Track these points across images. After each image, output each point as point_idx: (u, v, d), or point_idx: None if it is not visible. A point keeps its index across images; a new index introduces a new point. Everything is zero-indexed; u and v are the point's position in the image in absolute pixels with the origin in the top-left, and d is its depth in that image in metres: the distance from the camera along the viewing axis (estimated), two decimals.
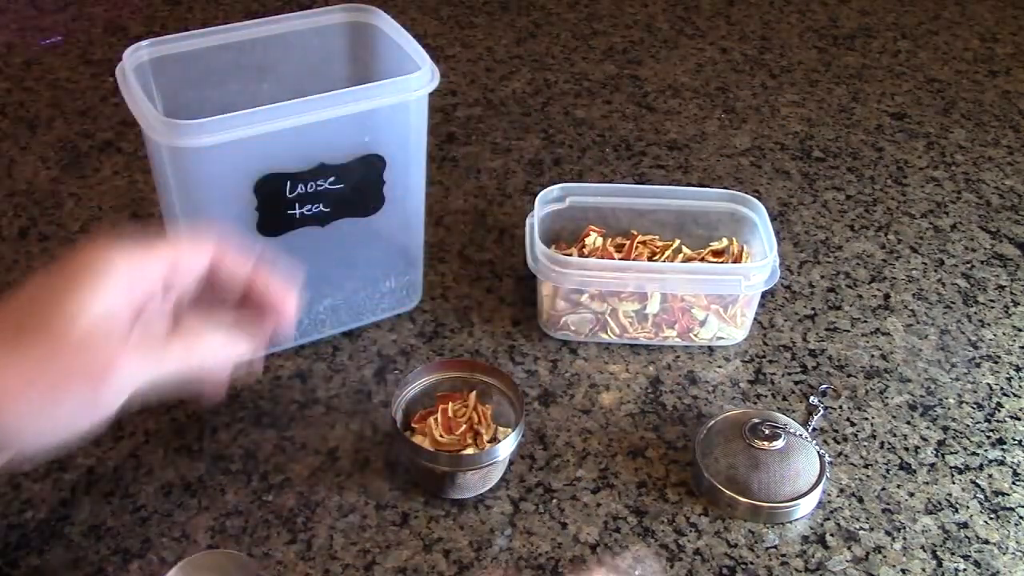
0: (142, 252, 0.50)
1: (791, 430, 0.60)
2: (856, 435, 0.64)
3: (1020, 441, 0.65)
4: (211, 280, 0.51)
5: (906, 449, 0.64)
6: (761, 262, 0.67)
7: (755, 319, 0.71)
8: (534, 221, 0.70)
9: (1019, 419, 0.66)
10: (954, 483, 0.62)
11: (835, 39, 1.11)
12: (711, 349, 0.70)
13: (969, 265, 0.79)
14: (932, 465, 0.63)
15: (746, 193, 0.73)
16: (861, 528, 0.58)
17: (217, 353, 0.49)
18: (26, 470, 0.59)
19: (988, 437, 0.65)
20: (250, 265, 0.52)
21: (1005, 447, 0.64)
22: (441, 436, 0.58)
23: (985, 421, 0.66)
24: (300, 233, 0.62)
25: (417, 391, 0.60)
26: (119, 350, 0.47)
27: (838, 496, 0.60)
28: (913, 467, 0.63)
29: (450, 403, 0.60)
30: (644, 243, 0.73)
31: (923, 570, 0.56)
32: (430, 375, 0.61)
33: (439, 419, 0.59)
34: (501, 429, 0.60)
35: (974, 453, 0.64)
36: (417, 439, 0.58)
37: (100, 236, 0.50)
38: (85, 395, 0.47)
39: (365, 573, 0.55)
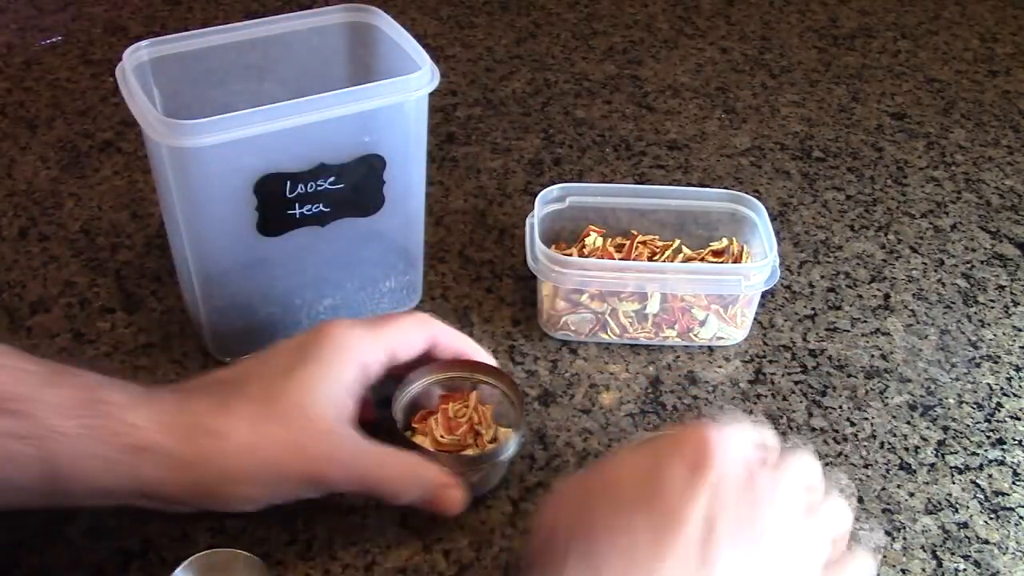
0: (373, 334, 0.54)
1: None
2: (856, 435, 0.64)
3: (1020, 441, 0.65)
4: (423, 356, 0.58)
5: (906, 449, 0.64)
6: (761, 262, 0.67)
7: (755, 319, 0.71)
8: (534, 221, 0.70)
9: (1019, 419, 0.66)
10: (954, 483, 0.62)
11: (835, 39, 1.11)
12: (711, 349, 0.70)
13: (969, 265, 0.79)
14: (932, 465, 0.63)
15: (746, 193, 0.73)
16: (861, 528, 0.58)
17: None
18: None
19: (988, 437, 0.65)
20: (460, 343, 0.58)
21: (1005, 447, 0.64)
22: (442, 436, 0.58)
23: (985, 421, 0.66)
24: (300, 233, 0.62)
25: (417, 391, 0.60)
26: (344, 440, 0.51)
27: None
28: (913, 467, 0.63)
29: (451, 403, 0.60)
30: (644, 243, 0.73)
31: (923, 570, 0.57)
32: (430, 375, 0.61)
33: (440, 419, 0.59)
34: (502, 429, 0.60)
35: (974, 453, 0.64)
36: (418, 439, 0.58)
37: (337, 320, 0.54)
38: (308, 477, 0.51)
39: (365, 573, 0.55)
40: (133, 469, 0.47)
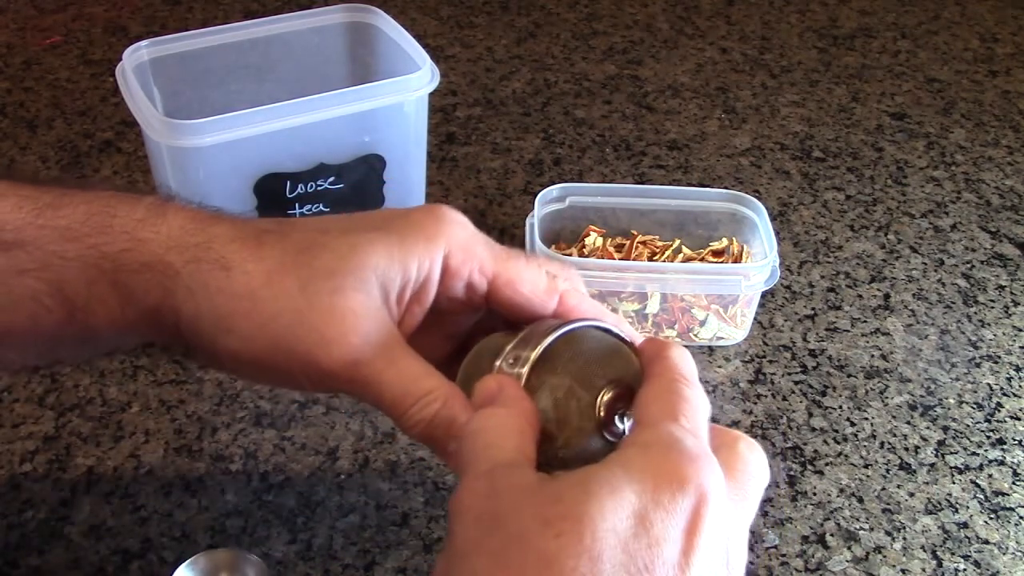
0: (486, 248, 0.45)
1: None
2: (856, 435, 0.64)
3: (1020, 441, 0.65)
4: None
5: (906, 449, 0.64)
6: (761, 262, 0.67)
7: (755, 319, 0.71)
8: (534, 221, 0.70)
9: (1019, 419, 0.66)
10: (954, 483, 0.62)
11: (835, 39, 1.11)
12: (711, 349, 0.70)
13: (969, 265, 0.79)
14: (932, 465, 0.63)
15: (746, 193, 0.73)
16: (861, 528, 0.58)
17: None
18: (25, 470, 0.59)
19: (988, 437, 0.65)
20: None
21: (1005, 447, 0.64)
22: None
23: (985, 421, 0.66)
24: None
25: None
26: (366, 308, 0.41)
27: (838, 496, 0.60)
28: (913, 467, 0.63)
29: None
30: (644, 243, 0.73)
31: (923, 570, 0.57)
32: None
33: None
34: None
35: (974, 453, 0.64)
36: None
37: (456, 211, 0.46)
38: (319, 330, 0.41)
39: (365, 573, 0.55)
40: (139, 292, 0.42)
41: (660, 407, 0.37)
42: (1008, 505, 0.61)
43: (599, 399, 0.39)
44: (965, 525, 0.59)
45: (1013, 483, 0.62)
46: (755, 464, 0.39)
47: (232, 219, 0.43)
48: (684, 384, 0.38)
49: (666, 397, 0.37)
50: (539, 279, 0.45)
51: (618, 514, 0.33)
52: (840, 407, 0.66)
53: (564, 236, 0.74)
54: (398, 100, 0.60)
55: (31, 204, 0.42)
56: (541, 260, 0.46)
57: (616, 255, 0.72)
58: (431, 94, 0.61)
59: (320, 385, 0.42)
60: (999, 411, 0.67)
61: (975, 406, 0.67)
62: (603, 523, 0.33)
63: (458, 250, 0.44)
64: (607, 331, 0.42)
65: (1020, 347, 0.72)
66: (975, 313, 0.75)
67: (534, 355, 0.40)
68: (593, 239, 0.73)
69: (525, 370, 0.39)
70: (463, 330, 0.48)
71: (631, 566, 0.32)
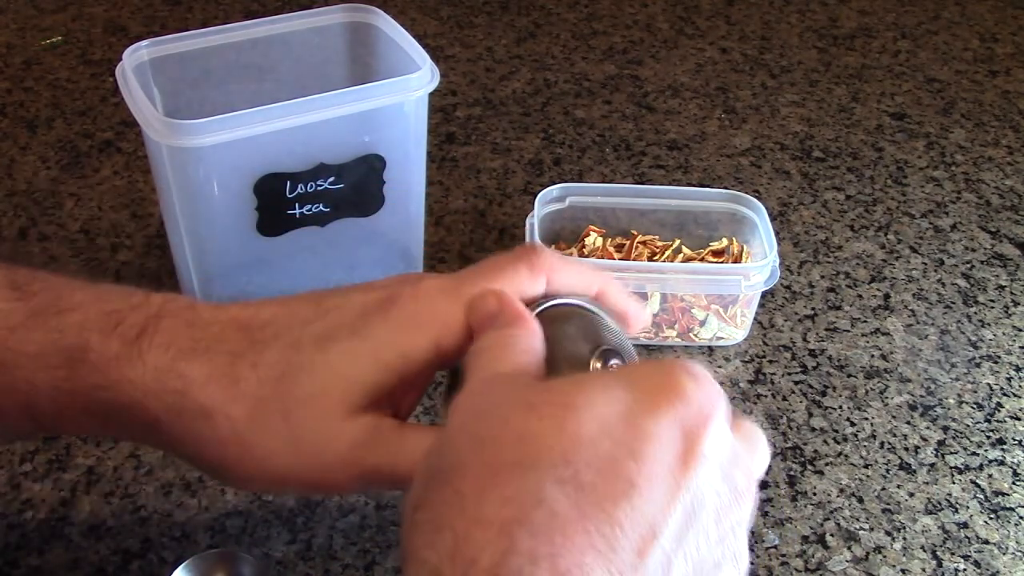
0: (456, 295, 0.41)
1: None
2: (856, 435, 0.64)
3: (1020, 441, 0.65)
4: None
5: (906, 449, 0.64)
6: (761, 262, 0.67)
7: (755, 319, 0.71)
8: (534, 221, 0.70)
9: (1019, 419, 0.66)
10: (954, 483, 0.62)
11: (835, 39, 1.11)
12: (711, 349, 0.70)
13: (969, 265, 0.79)
14: (932, 465, 0.63)
15: (746, 193, 0.73)
16: (861, 528, 0.58)
17: None
18: (25, 470, 0.59)
19: (988, 437, 0.65)
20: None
21: (1005, 447, 0.64)
22: None
23: (985, 421, 0.66)
24: (300, 233, 0.62)
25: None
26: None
27: (838, 496, 0.60)
28: (913, 467, 0.63)
29: None
30: (644, 243, 0.73)
31: (923, 570, 0.56)
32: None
33: None
34: None
35: (974, 453, 0.64)
36: None
37: (424, 281, 0.42)
38: (325, 420, 0.40)
39: (365, 573, 0.55)
40: (121, 426, 0.42)
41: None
42: (1008, 505, 0.61)
43: (592, 359, 0.39)
44: (965, 525, 0.59)
45: (1013, 483, 0.62)
46: (758, 432, 0.38)
47: (207, 346, 0.41)
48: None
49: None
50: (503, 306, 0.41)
51: (608, 407, 0.32)
52: (840, 407, 0.66)
53: (564, 236, 0.74)
54: (398, 100, 0.60)
55: (2, 320, 0.41)
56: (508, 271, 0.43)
57: (616, 255, 0.72)
58: (431, 94, 0.61)
59: (339, 491, 0.42)
60: (999, 411, 0.67)
61: (975, 406, 0.67)
62: (589, 411, 0.31)
63: (448, 333, 0.41)
64: (582, 307, 0.42)
65: (1020, 347, 0.72)
66: (975, 313, 0.75)
67: None
68: (593, 239, 0.73)
69: None
70: None
71: (617, 452, 0.31)
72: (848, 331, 0.72)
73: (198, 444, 0.41)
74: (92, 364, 0.41)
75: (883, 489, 0.61)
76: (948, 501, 0.61)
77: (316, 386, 0.40)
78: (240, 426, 0.40)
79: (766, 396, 0.67)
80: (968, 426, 0.66)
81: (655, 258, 0.73)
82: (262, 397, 0.40)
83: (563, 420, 0.31)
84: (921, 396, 0.68)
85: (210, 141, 0.55)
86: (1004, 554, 0.58)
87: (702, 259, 0.73)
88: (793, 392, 0.67)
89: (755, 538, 0.57)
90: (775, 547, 0.57)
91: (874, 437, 0.64)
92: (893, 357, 0.71)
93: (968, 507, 0.60)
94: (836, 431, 0.65)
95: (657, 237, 0.74)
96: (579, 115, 0.95)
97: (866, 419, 0.66)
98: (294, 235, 0.62)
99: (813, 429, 0.65)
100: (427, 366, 0.41)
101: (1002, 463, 0.63)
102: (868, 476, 0.62)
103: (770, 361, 0.70)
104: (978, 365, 0.70)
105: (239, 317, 0.42)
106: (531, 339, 0.38)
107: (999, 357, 0.71)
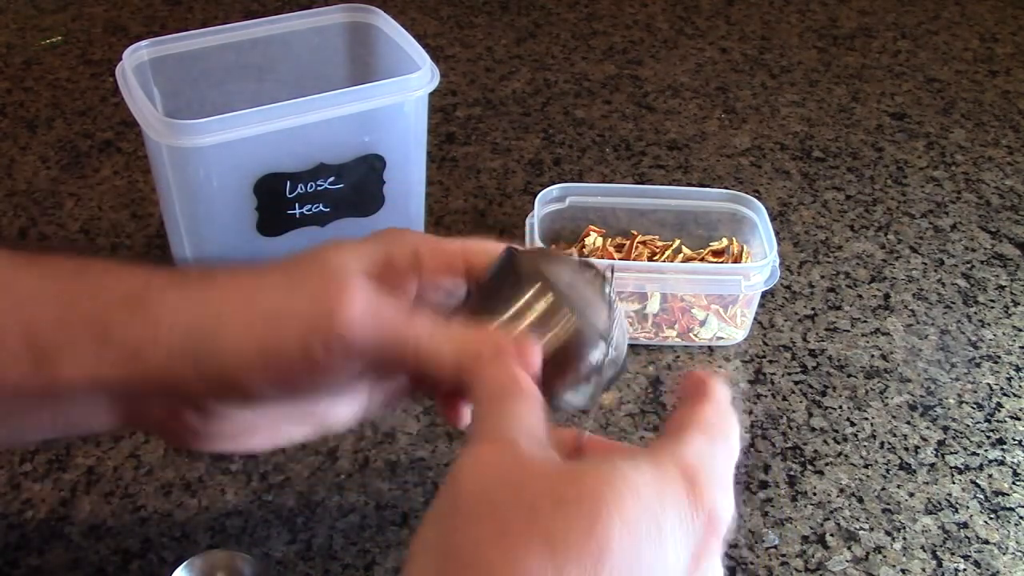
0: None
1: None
2: (856, 435, 0.64)
3: (1020, 441, 0.65)
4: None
5: (906, 449, 0.64)
6: (761, 262, 0.67)
7: (755, 319, 0.71)
8: (534, 221, 0.70)
9: (1019, 419, 0.66)
10: (954, 483, 0.62)
11: (835, 39, 1.11)
12: (711, 349, 0.70)
13: (969, 265, 0.79)
14: (932, 465, 0.63)
15: (746, 193, 0.73)
16: (861, 528, 0.58)
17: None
18: (25, 470, 0.59)
19: (988, 437, 0.65)
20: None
21: (1005, 447, 0.64)
22: None
23: (985, 421, 0.66)
24: (300, 233, 0.62)
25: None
26: (352, 280, 0.41)
27: (838, 496, 0.60)
28: (913, 467, 0.63)
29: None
30: (644, 243, 0.73)
31: (923, 570, 0.56)
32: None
33: None
34: None
35: (974, 453, 0.64)
36: None
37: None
38: (314, 320, 0.39)
39: (365, 573, 0.55)
40: (118, 328, 0.40)
41: (702, 426, 0.37)
42: (1008, 505, 0.61)
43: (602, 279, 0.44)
44: (965, 525, 0.59)
45: (1013, 483, 0.62)
46: (725, 403, 0.39)
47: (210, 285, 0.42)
48: (728, 423, 0.38)
49: (711, 421, 0.37)
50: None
51: (634, 509, 0.33)
52: (840, 407, 0.66)
53: (564, 236, 0.74)
54: (398, 100, 0.60)
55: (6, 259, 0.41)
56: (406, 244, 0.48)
57: (616, 255, 0.72)
58: (431, 94, 0.61)
59: (340, 356, 0.40)
60: (999, 411, 0.67)
61: (975, 406, 0.67)
62: (617, 513, 0.32)
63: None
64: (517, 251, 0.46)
65: (1020, 347, 0.72)
66: (975, 313, 0.75)
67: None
68: (593, 239, 0.73)
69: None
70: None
71: (637, 561, 0.32)
72: (848, 331, 0.72)
73: (197, 302, 0.40)
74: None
75: (883, 489, 0.61)
76: (948, 501, 0.61)
77: (323, 265, 0.41)
78: (244, 281, 0.41)
79: (766, 396, 0.67)
80: (968, 426, 0.66)
81: (655, 258, 0.73)
82: (261, 272, 0.41)
83: (591, 521, 0.32)
84: (921, 396, 0.68)
85: (210, 141, 0.55)
86: (1004, 554, 0.58)
87: (702, 259, 0.73)
88: (793, 392, 0.67)
89: (755, 538, 0.58)
90: (775, 547, 0.57)
91: (874, 437, 0.64)
92: (893, 357, 0.71)
93: (968, 507, 0.60)
94: (836, 431, 0.65)
95: (657, 237, 0.74)
96: (579, 115, 0.95)
97: (866, 419, 0.66)
98: (294, 235, 0.62)
99: (813, 429, 0.65)
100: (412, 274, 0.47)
101: (1002, 463, 0.63)
102: (868, 476, 0.62)
103: (770, 361, 0.70)
104: (978, 365, 0.70)
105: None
106: (539, 410, 0.38)
107: (999, 357, 0.71)
